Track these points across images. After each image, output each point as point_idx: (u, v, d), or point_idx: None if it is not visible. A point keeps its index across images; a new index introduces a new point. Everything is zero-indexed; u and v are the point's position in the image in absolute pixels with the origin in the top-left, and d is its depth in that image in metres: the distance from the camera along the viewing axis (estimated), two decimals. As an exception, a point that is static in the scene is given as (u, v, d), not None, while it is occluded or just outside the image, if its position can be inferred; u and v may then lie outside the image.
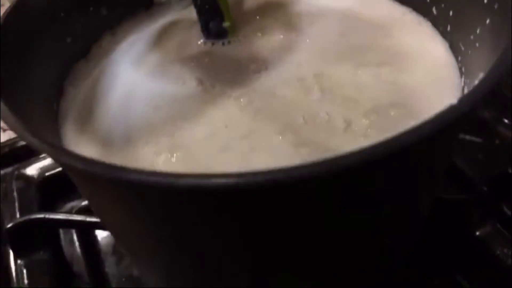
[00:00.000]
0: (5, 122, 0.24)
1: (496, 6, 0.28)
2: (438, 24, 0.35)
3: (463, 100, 0.21)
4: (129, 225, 0.27)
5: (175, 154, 0.28)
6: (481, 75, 0.26)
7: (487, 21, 0.28)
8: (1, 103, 0.24)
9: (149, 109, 0.32)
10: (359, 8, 0.38)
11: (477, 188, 0.43)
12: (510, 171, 0.42)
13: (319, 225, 0.24)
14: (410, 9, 0.38)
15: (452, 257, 0.40)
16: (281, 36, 0.37)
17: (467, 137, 0.51)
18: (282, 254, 0.26)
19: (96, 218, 0.44)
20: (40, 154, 0.53)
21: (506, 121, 0.50)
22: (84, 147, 0.30)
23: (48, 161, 0.53)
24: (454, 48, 0.33)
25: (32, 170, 0.52)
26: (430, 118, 0.20)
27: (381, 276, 0.34)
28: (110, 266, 0.45)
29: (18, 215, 0.47)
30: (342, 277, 0.30)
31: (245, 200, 0.21)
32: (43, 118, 0.31)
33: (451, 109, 0.21)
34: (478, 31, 0.30)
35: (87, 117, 0.33)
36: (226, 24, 0.37)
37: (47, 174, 0.52)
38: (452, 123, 0.20)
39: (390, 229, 0.29)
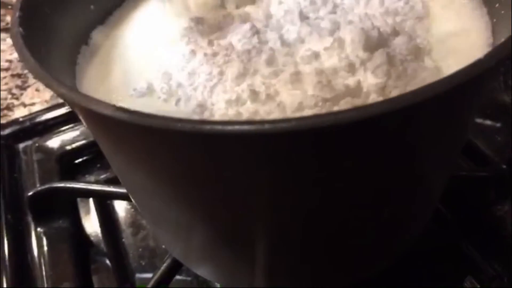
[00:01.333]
0: (33, 74, 0.24)
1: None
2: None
3: (488, 54, 0.21)
4: (150, 182, 0.28)
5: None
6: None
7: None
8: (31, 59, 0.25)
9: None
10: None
11: (496, 167, 0.43)
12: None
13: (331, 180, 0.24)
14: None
15: (470, 234, 0.40)
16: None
17: (487, 121, 0.50)
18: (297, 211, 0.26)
19: (115, 188, 0.45)
20: (59, 128, 0.54)
21: (525, 104, 0.49)
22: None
23: (67, 135, 0.54)
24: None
25: (52, 143, 0.53)
26: (457, 71, 0.20)
27: (393, 253, 0.34)
28: (127, 237, 0.46)
29: (38, 185, 0.48)
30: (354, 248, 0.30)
31: (268, 148, 0.21)
32: (63, 73, 0.31)
33: (478, 63, 0.21)
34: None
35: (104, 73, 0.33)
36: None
37: (67, 147, 0.52)
38: (478, 76, 0.20)
39: (402, 199, 0.29)
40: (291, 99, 0.26)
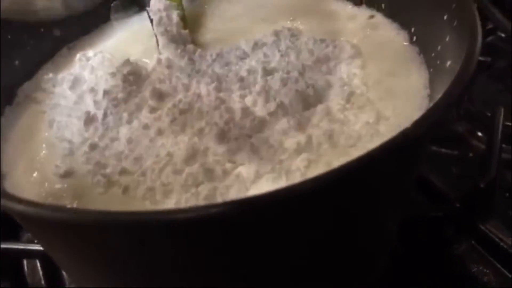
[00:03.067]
0: None
1: (455, 23, 0.27)
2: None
3: (415, 125, 0.20)
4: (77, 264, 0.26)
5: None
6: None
7: (447, 38, 0.27)
8: None
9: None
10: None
11: (450, 205, 0.42)
12: (481, 185, 0.41)
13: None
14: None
15: (428, 274, 0.39)
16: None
17: (442, 150, 0.50)
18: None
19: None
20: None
21: (479, 134, 0.49)
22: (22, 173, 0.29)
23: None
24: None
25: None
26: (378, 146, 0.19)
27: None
28: (76, 295, 0.43)
29: (-24, 246, 0.44)
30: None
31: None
32: None
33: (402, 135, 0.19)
34: (439, 48, 0.29)
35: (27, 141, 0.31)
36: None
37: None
38: (401, 147, 0.19)
39: (355, 246, 0.27)
40: (247, 170, 0.26)
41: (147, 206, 0.26)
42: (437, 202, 0.44)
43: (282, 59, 0.33)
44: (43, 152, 0.30)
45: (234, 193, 0.26)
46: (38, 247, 0.44)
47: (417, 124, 0.20)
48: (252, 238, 0.21)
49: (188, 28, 0.37)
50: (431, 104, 0.23)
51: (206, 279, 0.23)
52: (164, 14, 0.36)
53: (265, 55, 0.34)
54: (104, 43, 0.39)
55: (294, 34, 0.35)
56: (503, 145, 0.42)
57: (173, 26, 0.36)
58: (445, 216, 0.42)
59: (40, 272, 0.44)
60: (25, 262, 0.45)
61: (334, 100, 0.30)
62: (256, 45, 0.34)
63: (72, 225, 0.19)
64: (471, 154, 0.49)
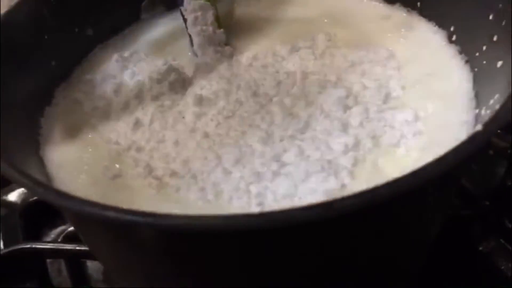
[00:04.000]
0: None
1: (503, 23, 0.27)
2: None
3: (486, 127, 0.20)
4: (120, 260, 0.26)
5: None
6: (496, 96, 0.25)
7: (495, 38, 0.28)
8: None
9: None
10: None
11: (478, 203, 0.42)
12: (509, 183, 0.41)
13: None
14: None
15: (457, 272, 0.40)
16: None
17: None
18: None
19: (86, 246, 0.42)
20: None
21: (498, 131, 0.49)
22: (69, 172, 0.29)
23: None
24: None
25: (14, 196, 0.49)
26: (453, 148, 0.19)
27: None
28: (101, 294, 0.43)
29: (2, 245, 0.44)
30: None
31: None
32: (24, 141, 0.29)
33: (475, 137, 0.20)
34: (484, 48, 0.29)
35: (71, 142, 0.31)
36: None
37: (30, 199, 0.49)
38: (475, 151, 0.19)
39: (404, 254, 0.28)
40: (295, 169, 0.27)
41: (200, 206, 0.26)
42: (464, 200, 0.44)
43: (317, 63, 0.33)
44: (89, 154, 0.30)
45: (283, 190, 0.26)
46: (63, 246, 0.44)
47: (488, 125, 0.20)
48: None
49: (222, 28, 0.37)
50: (497, 106, 0.22)
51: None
52: (199, 13, 0.36)
53: (301, 58, 0.34)
54: (136, 43, 0.39)
55: (330, 39, 0.35)
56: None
57: (208, 26, 0.36)
58: (474, 214, 0.42)
59: (65, 272, 0.44)
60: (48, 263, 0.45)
61: (371, 102, 0.30)
62: (293, 49, 0.35)
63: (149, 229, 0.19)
64: (491, 152, 0.49)
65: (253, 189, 0.26)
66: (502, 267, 0.39)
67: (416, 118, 0.29)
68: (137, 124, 0.31)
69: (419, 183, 0.19)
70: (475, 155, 0.20)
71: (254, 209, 0.25)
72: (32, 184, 0.22)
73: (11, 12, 0.31)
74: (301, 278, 0.23)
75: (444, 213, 0.31)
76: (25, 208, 0.48)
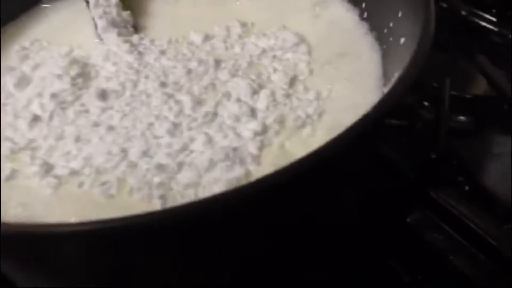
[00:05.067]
0: None
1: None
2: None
3: (375, 108, 0.20)
4: None
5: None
6: (396, 75, 0.25)
7: (399, 14, 0.27)
8: None
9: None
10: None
11: (404, 176, 0.43)
12: (433, 156, 0.42)
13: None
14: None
15: (385, 244, 0.40)
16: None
17: (392, 121, 0.51)
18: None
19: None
20: None
21: (426, 103, 0.51)
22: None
23: None
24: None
25: None
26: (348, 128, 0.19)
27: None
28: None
29: None
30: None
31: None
32: None
33: (365, 118, 0.19)
34: (391, 24, 0.29)
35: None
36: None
37: None
38: (366, 131, 0.19)
39: (324, 231, 0.28)
40: (200, 158, 0.26)
41: (102, 201, 0.25)
42: (390, 173, 0.45)
43: (230, 51, 0.33)
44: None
45: (187, 180, 0.26)
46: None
47: (377, 108, 0.20)
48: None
49: (128, 10, 0.35)
50: (389, 86, 0.23)
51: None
52: (101, -6, 0.34)
53: (213, 47, 0.34)
54: (37, 29, 0.37)
55: (243, 26, 0.35)
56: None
57: (112, 7, 0.34)
58: (400, 188, 0.43)
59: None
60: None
61: (278, 86, 0.30)
62: (207, 37, 0.34)
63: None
64: (419, 124, 0.50)
65: (156, 180, 0.25)
66: (428, 238, 0.40)
67: (321, 99, 0.30)
68: (35, 120, 0.29)
69: (315, 164, 0.18)
70: (366, 137, 0.20)
71: (155, 201, 0.25)
72: None
73: None
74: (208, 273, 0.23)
75: (363, 191, 0.31)
76: None
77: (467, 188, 0.44)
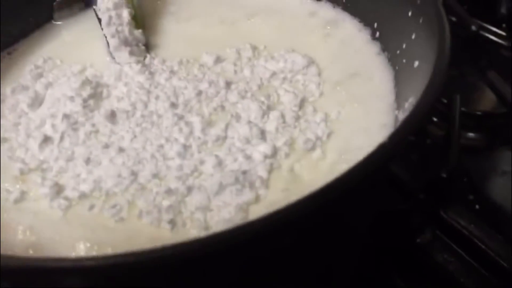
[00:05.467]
0: None
1: (420, 20, 0.27)
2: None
3: (392, 138, 0.20)
4: None
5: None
6: (410, 99, 0.25)
7: (413, 36, 0.27)
8: None
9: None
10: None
11: (414, 196, 0.43)
12: (443, 175, 0.42)
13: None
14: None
15: (395, 265, 0.40)
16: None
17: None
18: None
19: None
20: None
21: (435, 119, 0.50)
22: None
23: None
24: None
25: None
26: (363, 160, 0.19)
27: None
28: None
29: None
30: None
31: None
32: None
33: (382, 148, 0.19)
34: (404, 46, 0.29)
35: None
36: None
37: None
38: (382, 162, 0.19)
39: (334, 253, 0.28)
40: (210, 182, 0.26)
41: (111, 225, 0.25)
42: (400, 192, 0.45)
43: (240, 74, 0.33)
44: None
45: (196, 204, 0.26)
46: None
47: (395, 136, 0.20)
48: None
49: (140, 28, 0.35)
50: (404, 111, 0.22)
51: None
52: (113, 13, 0.34)
53: (224, 69, 0.34)
54: (49, 46, 0.37)
55: (254, 49, 0.35)
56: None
57: (124, 26, 0.34)
58: (410, 208, 0.43)
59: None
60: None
61: (287, 108, 0.30)
62: (218, 59, 0.34)
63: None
64: (428, 141, 0.50)
65: (166, 203, 0.25)
66: (439, 259, 0.40)
67: (330, 121, 0.30)
68: (46, 141, 0.29)
69: (321, 203, 0.18)
70: (383, 166, 0.20)
71: (164, 225, 0.25)
72: None
73: None
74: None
75: (370, 215, 0.31)
76: None
77: (477, 206, 0.44)
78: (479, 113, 0.50)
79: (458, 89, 0.47)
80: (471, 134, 0.49)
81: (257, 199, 0.25)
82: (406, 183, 0.45)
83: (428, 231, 0.42)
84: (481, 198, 0.44)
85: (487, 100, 0.53)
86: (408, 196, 0.44)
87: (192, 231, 0.24)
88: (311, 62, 0.33)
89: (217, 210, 0.25)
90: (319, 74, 0.32)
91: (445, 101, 0.48)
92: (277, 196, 0.19)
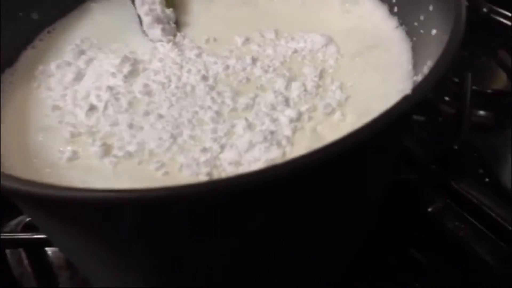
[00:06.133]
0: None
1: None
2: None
3: (415, 90, 0.22)
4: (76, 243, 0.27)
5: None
6: (428, 63, 0.27)
7: (430, 7, 0.30)
8: None
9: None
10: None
11: (425, 167, 0.45)
12: (455, 147, 0.44)
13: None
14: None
15: (407, 234, 0.42)
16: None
17: (414, 116, 0.53)
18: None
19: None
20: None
21: (447, 98, 0.53)
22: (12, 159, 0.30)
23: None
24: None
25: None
26: (386, 110, 0.21)
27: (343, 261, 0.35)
28: (64, 282, 0.44)
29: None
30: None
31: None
32: None
33: (406, 99, 0.22)
34: (422, 18, 0.31)
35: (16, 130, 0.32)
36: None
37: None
38: (407, 112, 0.22)
39: (349, 217, 0.30)
40: (240, 141, 0.29)
41: (158, 177, 0.28)
42: (411, 164, 0.47)
43: (263, 53, 0.36)
44: (42, 138, 0.31)
45: (229, 159, 0.28)
46: (22, 235, 0.44)
47: (419, 88, 0.22)
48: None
49: (171, 7, 0.38)
50: (423, 74, 0.25)
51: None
52: (146, -8, 0.37)
53: (248, 48, 0.37)
54: (86, 26, 0.40)
55: (276, 32, 0.38)
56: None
57: (156, 4, 0.37)
58: (422, 178, 0.45)
59: (26, 262, 0.45)
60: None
61: (308, 78, 0.33)
62: (246, 41, 0.37)
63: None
64: (440, 119, 0.52)
65: (203, 159, 0.28)
66: (450, 226, 0.42)
67: (349, 87, 0.32)
68: (91, 109, 0.32)
69: (352, 146, 0.20)
70: (406, 118, 0.22)
71: (202, 177, 0.28)
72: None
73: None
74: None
75: (388, 177, 0.33)
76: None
77: (487, 180, 0.46)
78: (489, 91, 0.52)
79: (469, 68, 0.49)
80: (481, 112, 0.52)
81: (283, 155, 0.28)
82: (418, 155, 0.47)
83: (439, 200, 0.44)
84: (490, 172, 0.46)
85: (498, 79, 0.55)
86: (420, 167, 0.46)
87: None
88: (330, 40, 0.36)
89: (248, 164, 0.28)
90: (338, 51, 0.35)
91: (456, 80, 0.50)
92: (301, 152, 0.22)
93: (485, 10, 0.57)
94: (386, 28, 0.35)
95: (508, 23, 0.57)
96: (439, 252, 0.42)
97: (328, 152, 0.20)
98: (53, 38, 0.38)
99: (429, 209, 0.44)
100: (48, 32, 0.39)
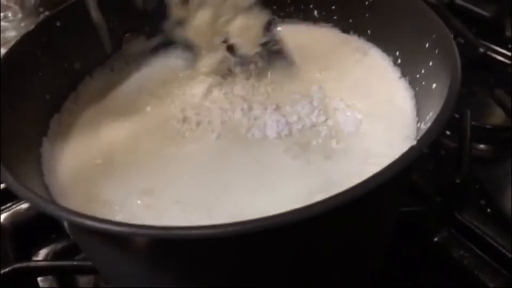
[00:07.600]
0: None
1: (436, 51, 0.33)
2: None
3: (420, 141, 0.26)
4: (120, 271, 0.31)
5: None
6: (431, 114, 0.31)
7: (430, 63, 0.34)
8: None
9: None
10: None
11: (431, 199, 0.48)
12: (457, 181, 0.47)
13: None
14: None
15: (414, 262, 0.45)
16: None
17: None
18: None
19: (77, 261, 0.46)
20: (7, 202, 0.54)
21: (449, 133, 0.56)
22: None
23: (17, 208, 0.53)
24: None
25: (2, 218, 0.52)
26: (394, 161, 0.25)
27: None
28: (94, 310, 0.47)
29: (-5, 267, 0.47)
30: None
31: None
32: (26, 166, 0.33)
33: (412, 150, 0.26)
34: (423, 71, 0.35)
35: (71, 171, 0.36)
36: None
37: (18, 221, 0.52)
38: (412, 163, 0.25)
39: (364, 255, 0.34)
40: None
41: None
42: (418, 197, 0.50)
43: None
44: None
45: None
46: (54, 263, 0.47)
47: (423, 139, 0.26)
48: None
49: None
50: (426, 123, 0.29)
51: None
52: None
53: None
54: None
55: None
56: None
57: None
58: (428, 210, 0.48)
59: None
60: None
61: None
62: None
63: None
64: (443, 152, 0.56)
65: None
66: (455, 255, 0.44)
67: (356, 133, 0.36)
68: None
69: (374, 188, 0.24)
70: (412, 165, 0.26)
71: None
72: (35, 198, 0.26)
73: (9, 53, 0.36)
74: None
75: (396, 213, 0.37)
76: (14, 230, 0.51)
77: (488, 210, 0.49)
78: (488, 126, 0.55)
79: (468, 105, 0.53)
80: (481, 146, 0.55)
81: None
82: (424, 188, 0.50)
83: (444, 230, 0.47)
84: (492, 203, 0.49)
85: (496, 115, 0.58)
86: (426, 199, 0.49)
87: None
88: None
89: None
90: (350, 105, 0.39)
91: (457, 116, 0.54)
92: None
93: (481, 49, 0.61)
94: (391, 78, 0.39)
95: (504, 60, 0.61)
96: (445, 280, 0.45)
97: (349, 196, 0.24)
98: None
99: (435, 239, 0.45)
100: (90, 76, 0.43)
